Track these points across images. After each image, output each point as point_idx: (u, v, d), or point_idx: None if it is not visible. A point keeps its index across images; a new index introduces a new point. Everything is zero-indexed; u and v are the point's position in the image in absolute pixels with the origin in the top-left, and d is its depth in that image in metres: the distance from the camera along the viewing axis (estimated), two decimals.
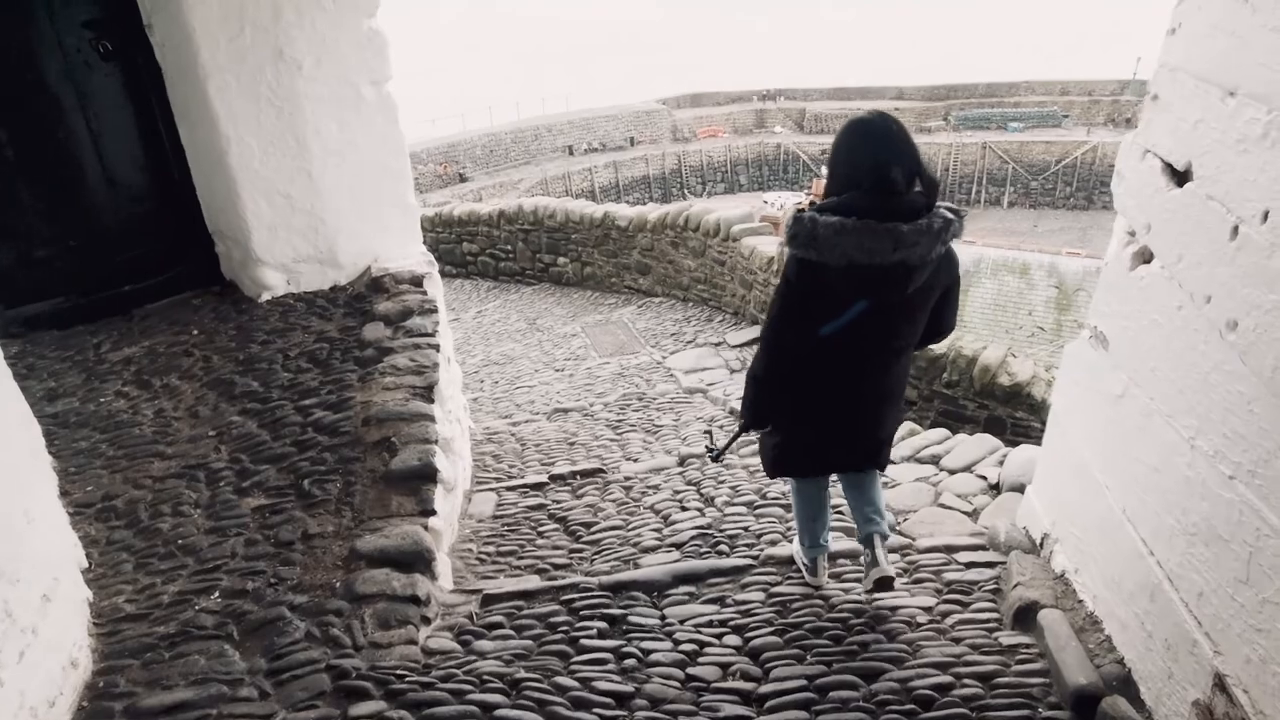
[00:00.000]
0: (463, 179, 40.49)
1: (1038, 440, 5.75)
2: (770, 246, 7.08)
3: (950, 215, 2.29)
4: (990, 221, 41.32)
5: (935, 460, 4.31)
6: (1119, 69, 44.99)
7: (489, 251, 10.04)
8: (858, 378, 2.50)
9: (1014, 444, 5.66)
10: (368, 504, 3.16)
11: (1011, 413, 5.57)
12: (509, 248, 9.77)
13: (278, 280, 4.46)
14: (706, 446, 3.36)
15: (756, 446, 3.23)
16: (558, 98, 46.32)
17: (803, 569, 3.02)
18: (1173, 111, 2.45)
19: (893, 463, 4.34)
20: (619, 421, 5.18)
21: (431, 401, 3.66)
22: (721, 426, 4.90)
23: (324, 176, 4.37)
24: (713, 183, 45.07)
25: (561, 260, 9.38)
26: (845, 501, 2.99)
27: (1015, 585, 2.89)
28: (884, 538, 2.77)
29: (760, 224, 7.60)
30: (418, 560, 2.92)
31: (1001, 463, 4.17)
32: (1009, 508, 3.75)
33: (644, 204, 42.79)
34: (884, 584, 2.71)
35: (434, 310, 4.26)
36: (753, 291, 7.34)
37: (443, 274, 10.97)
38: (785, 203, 36.23)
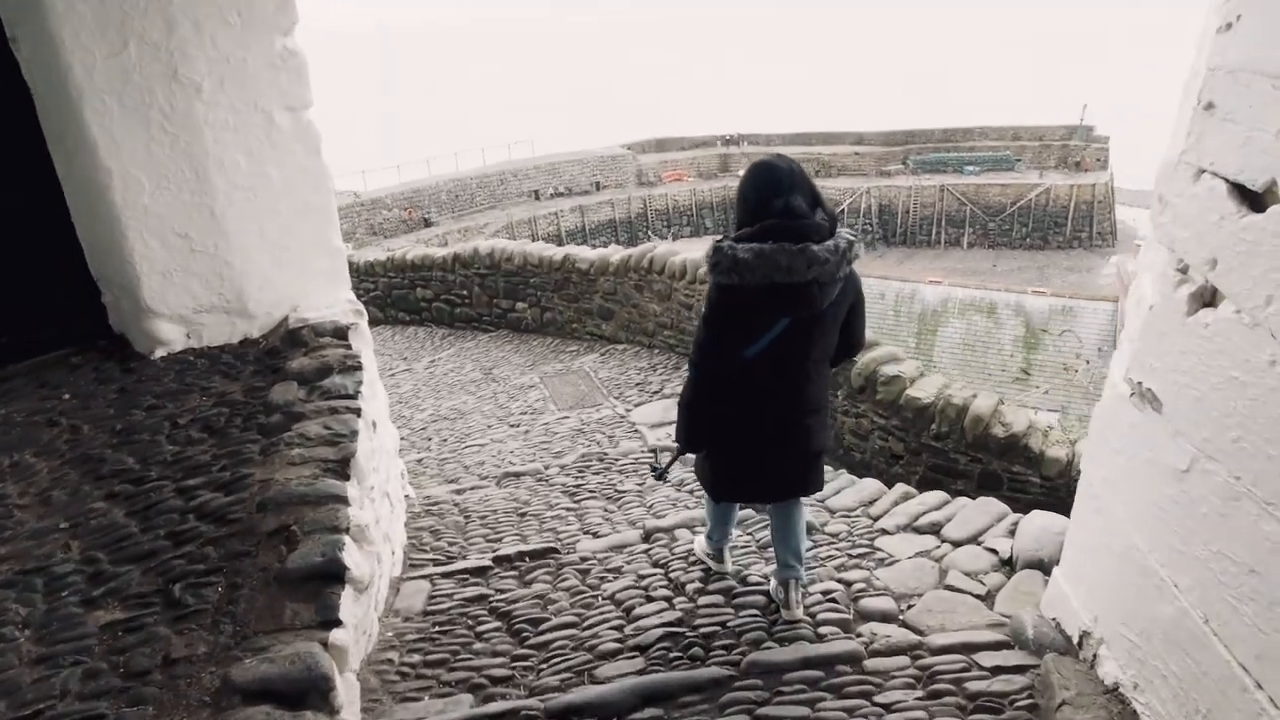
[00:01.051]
0: (427, 223, 39.95)
1: (1038, 497, 5.26)
2: None
3: (851, 238, 2.51)
4: (951, 261, 41.76)
5: (935, 529, 3.76)
6: (1067, 115, 46.23)
7: (444, 297, 9.44)
8: (783, 392, 2.65)
9: (1013, 501, 5.14)
10: (254, 614, 2.50)
11: (1008, 467, 5.07)
12: (465, 293, 9.18)
13: (174, 334, 3.81)
14: (651, 466, 3.42)
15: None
16: (523, 143, 46.21)
17: (706, 559, 3.37)
18: (1240, 122, 1.97)
19: (887, 532, 3.79)
20: (577, 487, 4.57)
21: (346, 478, 3.02)
22: (667, 450, 4.65)
23: (230, 214, 3.77)
24: (678, 225, 45.03)
25: (520, 305, 8.81)
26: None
27: (1060, 704, 2.32)
28: (799, 582, 2.99)
29: None
30: (310, 691, 2.25)
31: (1012, 532, 3.63)
32: (1028, 590, 3.20)
33: (609, 247, 42.82)
34: (792, 622, 2.91)
35: (357, 367, 3.63)
36: None
37: (396, 321, 10.38)
38: None
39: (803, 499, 2.99)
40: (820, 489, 3.02)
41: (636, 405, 6.31)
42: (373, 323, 10.48)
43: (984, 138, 45.36)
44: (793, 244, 2.39)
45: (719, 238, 2.56)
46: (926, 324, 17.54)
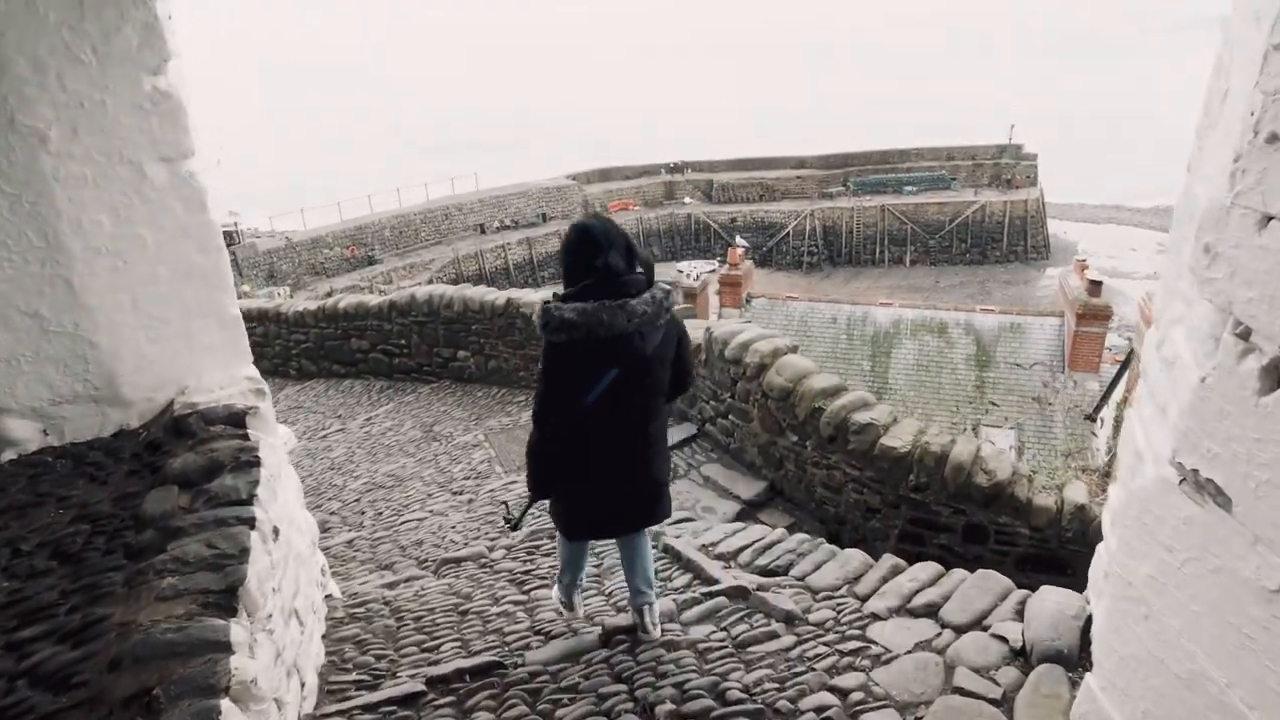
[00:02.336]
0: (371, 261, 38.94)
1: (1028, 549, 4.86)
2: (695, 333, 6.11)
3: (667, 288, 2.81)
4: (895, 279, 42.26)
5: (932, 611, 3.29)
6: (995, 135, 47.52)
7: (381, 347, 8.78)
8: (623, 433, 2.84)
9: (1002, 555, 4.72)
10: None
11: (993, 518, 4.65)
12: (403, 342, 8.54)
13: (27, 432, 3.16)
14: (504, 517, 3.41)
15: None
16: (466, 177, 45.61)
17: (560, 605, 3.39)
18: None
19: (879, 617, 3.30)
20: (526, 574, 3.99)
21: (232, 613, 2.42)
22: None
23: (92, 285, 3.15)
24: None
25: (462, 354, 8.21)
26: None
27: None
28: (653, 606, 3.18)
29: (684, 305, 6.63)
30: None
31: (1020, 612, 3.18)
32: (1051, 691, 2.73)
33: (559, 280, 42.21)
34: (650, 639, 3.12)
35: (253, 463, 3.03)
36: None
37: (330, 374, 9.65)
38: (700, 271, 36.09)
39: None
40: (668, 516, 3.18)
41: None
42: (305, 376, 9.79)
43: (920, 158, 46.29)
44: (612, 300, 2.63)
45: (547, 300, 2.76)
46: (880, 346, 17.37)
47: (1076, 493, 4.61)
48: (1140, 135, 78.46)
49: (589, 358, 2.67)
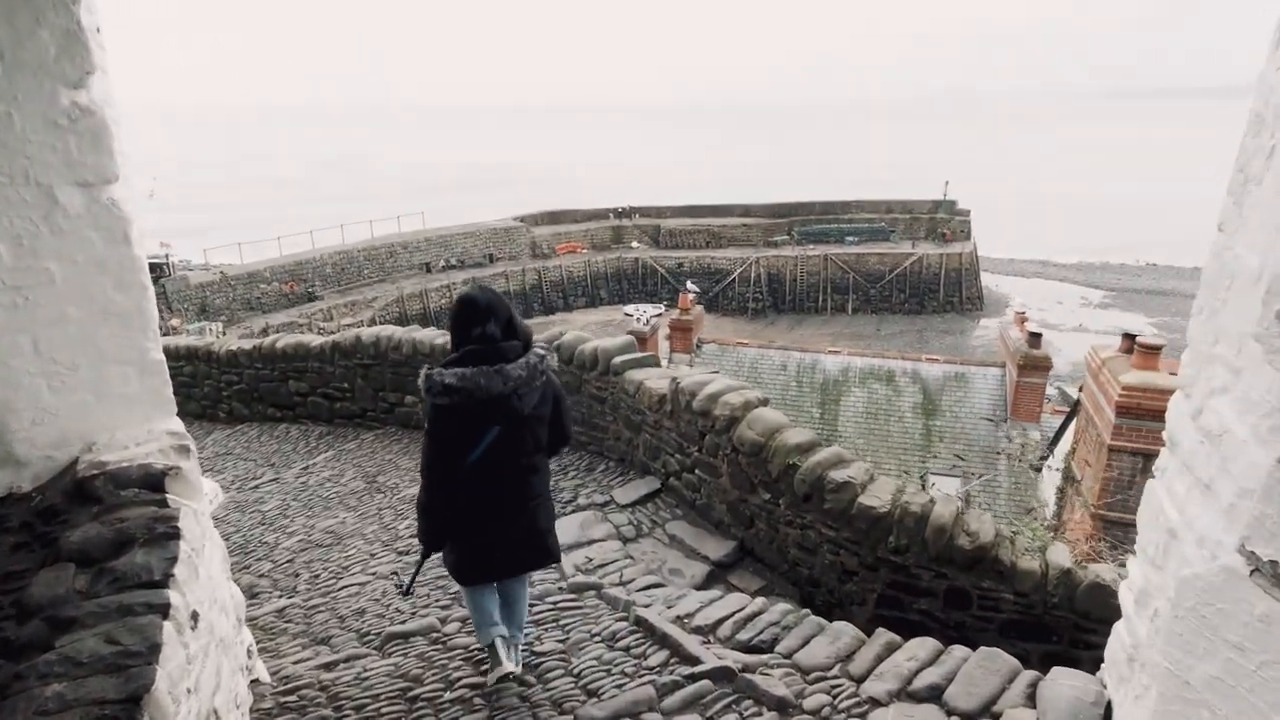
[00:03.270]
0: (311, 297, 37.78)
1: (1013, 615, 4.62)
2: (660, 383, 5.82)
3: (543, 352, 3.08)
4: (838, 327, 43.00)
5: (936, 695, 2.99)
6: (930, 190, 49.28)
7: (321, 391, 8.23)
8: (506, 487, 3.05)
9: (985, 621, 4.49)
10: None
11: (976, 582, 4.42)
12: (346, 385, 8.02)
13: None
14: (395, 585, 3.65)
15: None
16: (413, 215, 44.95)
17: (488, 653, 3.33)
18: None
19: (879, 702, 2.99)
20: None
21: None
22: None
23: None
24: (574, 296, 44.57)
25: (410, 399, 7.73)
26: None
27: None
28: (516, 644, 3.33)
29: (645, 355, 6.35)
30: None
31: (1031, 696, 2.91)
32: None
33: None
34: (505, 679, 3.21)
35: (172, 536, 2.58)
36: (641, 435, 6.00)
37: (265, 417, 9.02)
38: (646, 314, 36.04)
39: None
40: (556, 560, 3.41)
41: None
42: (236, 419, 9.13)
43: (860, 210, 47.59)
44: (489, 365, 2.91)
45: (428, 367, 2.97)
46: (829, 394, 17.37)
47: (1060, 556, 4.42)
48: (1063, 196, 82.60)
49: (470, 417, 2.94)
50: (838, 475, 4.65)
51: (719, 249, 45.79)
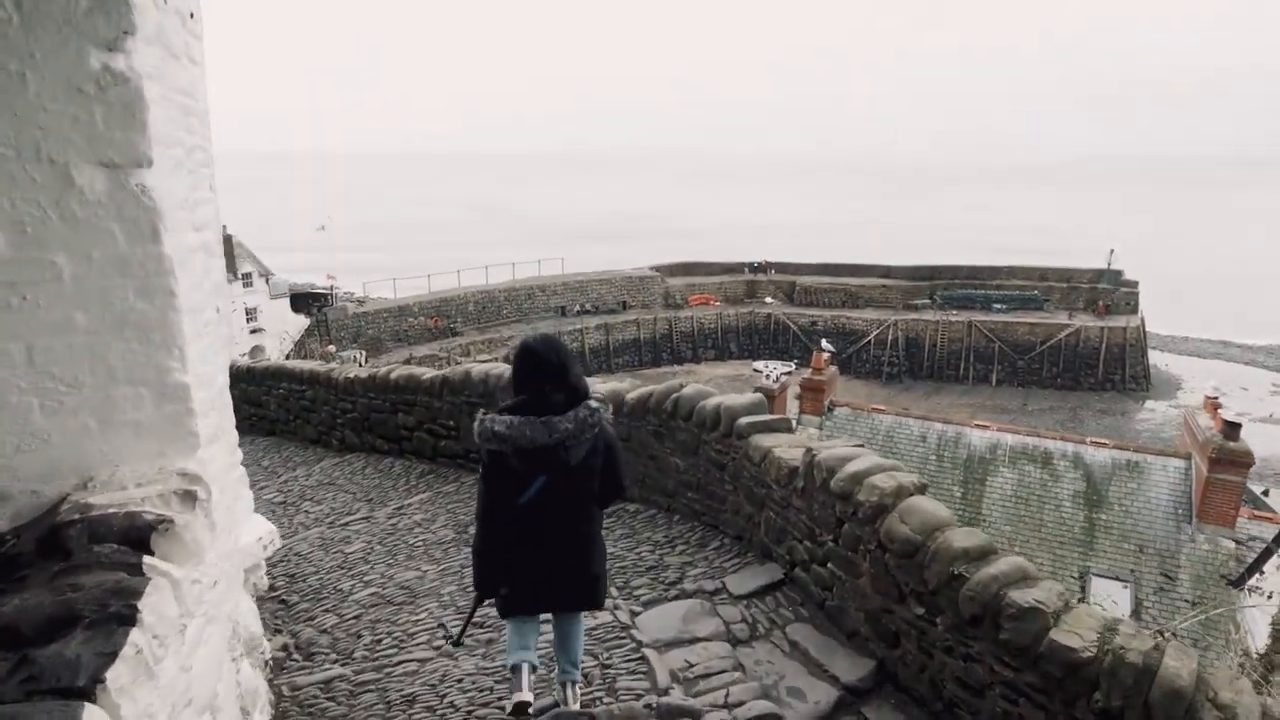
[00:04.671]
0: (453, 332, 39.14)
1: None
2: (791, 452, 4.86)
3: (596, 405, 3.07)
4: (980, 398, 39.79)
5: None
6: (1092, 259, 45.38)
7: (427, 426, 7.80)
8: (555, 532, 3.08)
9: None
10: None
11: None
12: (452, 423, 7.53)
13: None
14: (444, 636, 3.62)
15: None
16: (553, 260, 46.05)
17: (510, 676, 3.23)
18: None
19: None
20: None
21: None
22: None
23: None
24: (703, 348, 43.87)
25: None
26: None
27: None
28: (575, 684, 3.31)
29: (776, 418, 5.40)
30: None
31: None
32: None
33: (634, 367, 41.53)
34: (520, 708, 3.09)
35: (125, 620, 1.91)
36: (765, 512, 5.04)
37: (373, 449, 8.67)
38: (775, 371, 34.69)
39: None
40: (600, 606, 3.36)
41: (645, 603, 4.48)
42: (347, 449, 8.85)
43: (1011, 277, 44.38)
44: (537, 416, 2.95)
45: (483, 411, 3.06)
46: (973, 472, 15.55)
47: None
48: (1245, 270, 74.24)
49: (517, 465, 2.96)
50: (1021, 597, 3.50)
51: (855, 309, 43.89)
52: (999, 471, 15.41)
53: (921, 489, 4.19)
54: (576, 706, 3.21)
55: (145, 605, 1.97)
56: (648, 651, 3.88)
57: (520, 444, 2.90)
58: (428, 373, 8.00)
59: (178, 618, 2.12)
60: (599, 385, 6.65)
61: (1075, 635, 3.42)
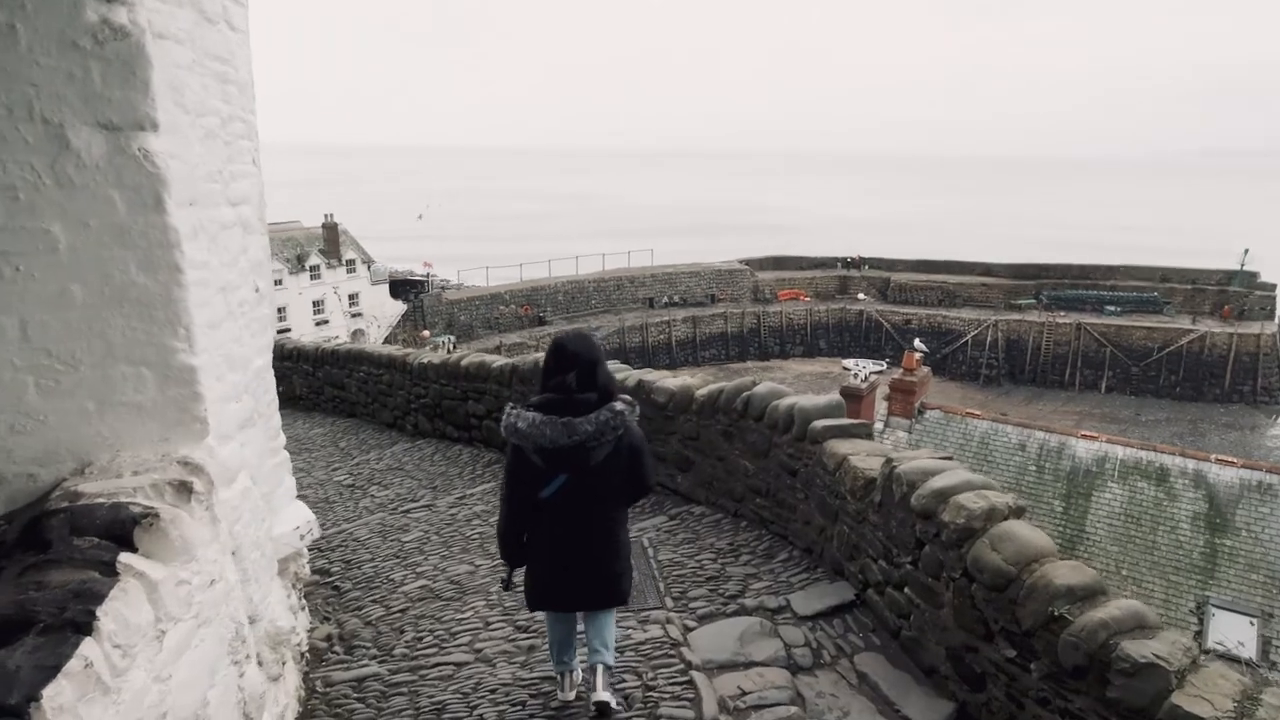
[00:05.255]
0: (541, 321, 39.57)
1: None
2: (869, 462, 4.38)
3: (621, 407, 3.02)
4: (1086, 405, 37.20)
5: None
6: (1223, 259, 41.72)
7: (495, 415, 7.67)
8: (576, 530, 3.06)
9: None
10: None
11: None
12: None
13: None
14: (501, 579, 3.42)
15: None
16: (643, 251, 45.90)
17: (557, 679, 3.36)
18: None
19: None
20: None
21: None
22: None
23: None
24: (791, 344, 42.84)
25: None
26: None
27: None
28: (607, 668, 3.22)
29: (854, 422, 4.92)
30: None
31: None
32: None
33: (720, 361, 40.95)
34: (602, 709, 3.12)
35: (80, 628, 1.71)
36: (837, 525, 4.58)
37: (444, 435, 8.61)
38: (867, 370, 33.50)
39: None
40: (623, 602, 3.28)
41: (700, 618, 4.12)
42: (419, 434, 8.83)
43: (1127, 277, 41.28)
44: (558, 416, 2.91)
45: (511, 404, 3.09)
46: (1077, 486, 14.37)
47: None
48: None
49: (540, 462, 2.94)
50: (1136, 650, 2.95)
51: (953, 308, 41.85)
52: (1106, 486, 14.18)
53: (1018, 512, 3.65)
54: (607, 695, 3.15)
55: (106, 611, 1.76)
56: (696, 675, 3.51)
57: (540, 443, 2.89)
58: (498, 360, 7.86)
59: (152, 624, 1.91)
60: (675, 379, 6.30)
61: (1204, 702, 2.85)
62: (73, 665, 1.62)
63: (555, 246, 50.59)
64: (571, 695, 3.31)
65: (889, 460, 4.14)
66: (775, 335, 42.86)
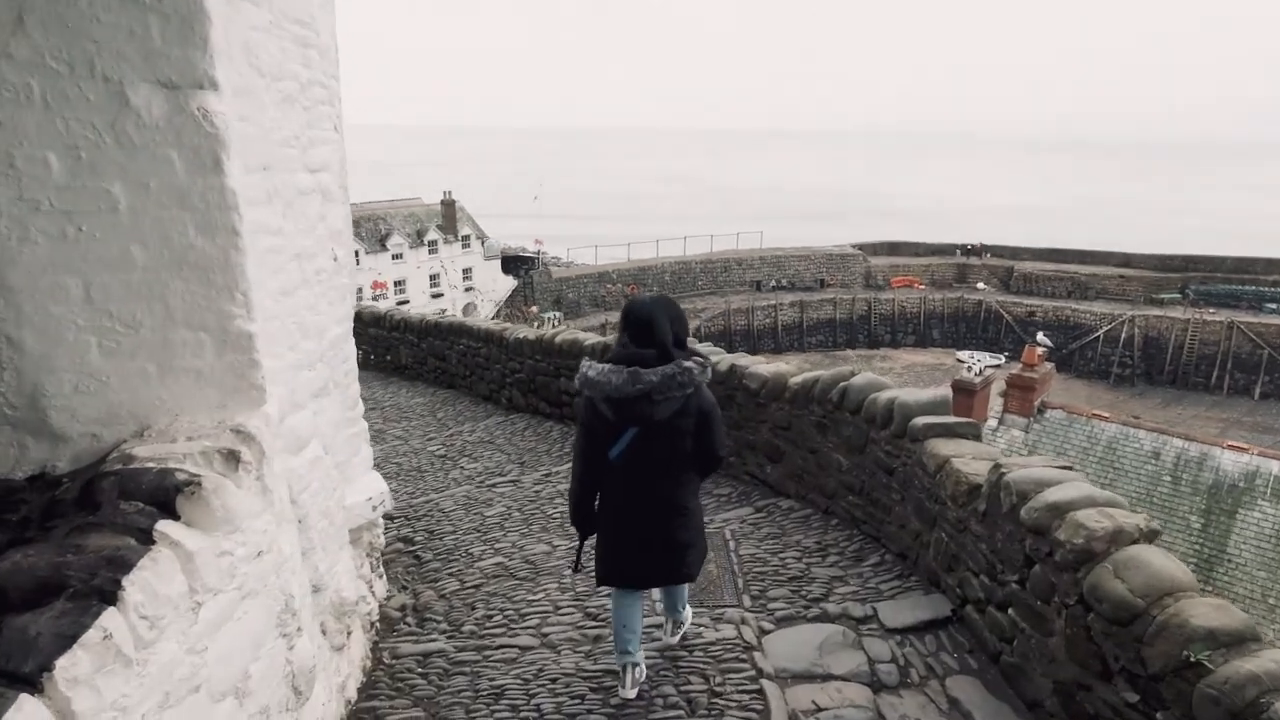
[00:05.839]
0: None
1: None
2: (974, 465, 3.94)
3: (690, 365, 3.02)
4: (1235, 412, 33.72)
5: None
6: None
7: None
8: (643, 494, 3.09)
9: None
10: None
11: None
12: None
13: None
14: (570, 563, 3.81)
15: None
16: (752, 234, 45.04)
17: (619, 673, 3.29)
18: None
19: None
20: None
21: None
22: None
23: (21, 256, 2.06)
24: (903, 333, 41.07)
25: None
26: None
27: None
28: (679, 624, 3.56)
29: (960, 421, 4.47)
30: None
31: None
32: None
33: (827, 347, 39.75)
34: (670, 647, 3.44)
35: (107, 597, 1.65)
36: (935, 532, 4.18)
37: (537, 411, 8.61)
38: (981, 363, 31.65)
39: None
40: (692, 579, 3.35)
41: (778, 623, 3.84)
42: (513, 408, 8.87)
43: None
44: (626, 367, 2.96)
45: (587, 359, 3.19)
46: (1219, 502, 12.98)
47: None
48: None
49: (608, 413, 3.00)
50: None
51: (1083, 300, 38.87)
52: (1256, 505, 12.73)
53: (1150, 535, 3.17)
54: (675, 639, 3.45)
55: (134, 581, 1.70)
56: (768, 684, 3.26)
57: (607, 391, 2.95)
58: (591, 338, 7.76)
59: (185, 595, 1.85)
60: (769, 365, 5.99)
61: None
62: (90, 636, 1.56)
63: (663, 227, 50.39)
64: (633, 694, 3.19)
65: (997, 466, 3.71)
66: (886, 323, 41.20)
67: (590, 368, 3.04)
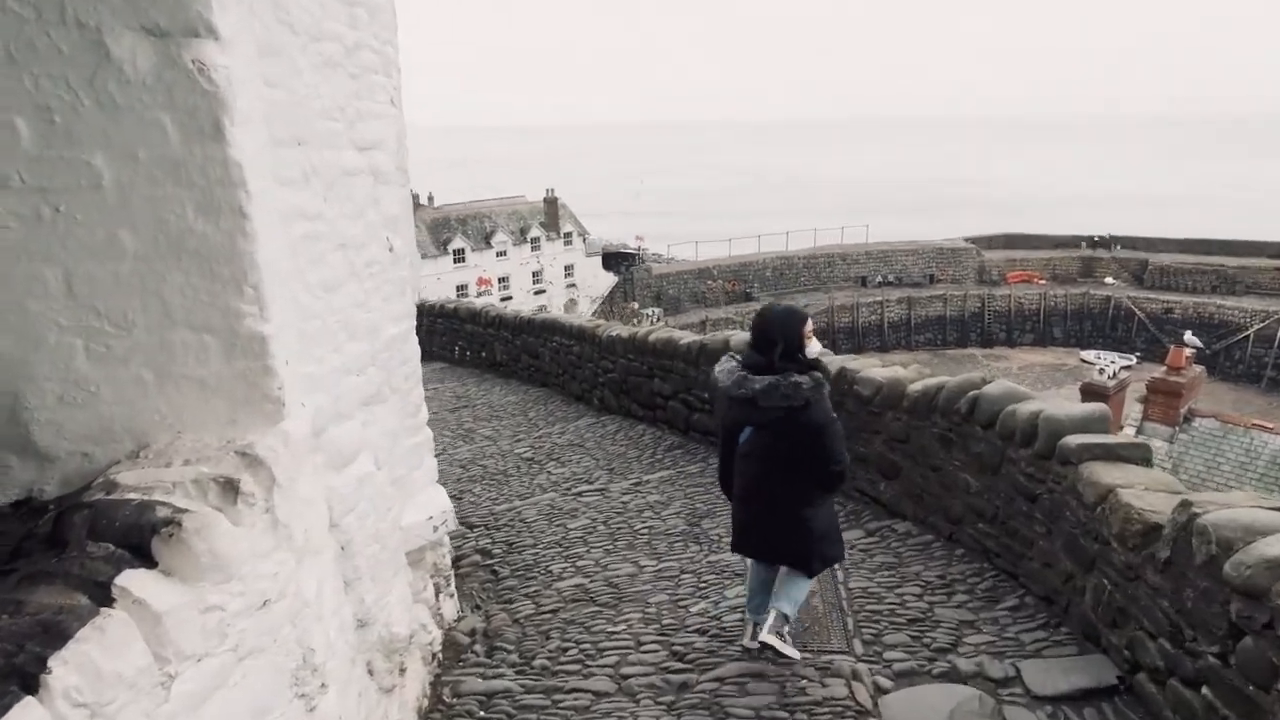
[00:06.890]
0: (748, 297, 38.64)
1: None
2: (1151, 500, 3.15)
3: (800, 380, 3.13)
4: None
5: None
6: None
7: (682, 396, 7.02)
8: (758, 485, 3.32)
9: None
10: None
11: None
12: (707, 395, 6.71)
13: None
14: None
15: None
16: (857, 228, 43.22)
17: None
18: None
19: None
20: None
21: None
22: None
23: None
24: (1020, 331, 38.38)
25: None
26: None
27: None
28: (780, 615, 3.33)
29: (1126, 442, 3.66)
30: None
31: None
32: None
33: (936, 346, 37.60)
34: (765, 647, 3.29)
35: (30, 678, 1.25)
36: (1094, 576, 3.39)
37: (629, 413, 8.12)
38: (1112, 365, 29.06)
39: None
40: (805, 570, 3.35)
41: (897, 678, 3.20)
42: (605, 409, 8.41)
43: None
44: (742, 372, 3.23)
45: (730, 353, 3.46)
46: None
47: None
48: None
49: (728, 408, 3.31)
50: None
51: (1230, 295, 35.08)
52: None
53: None
54: (770, 637, 3.25)
55: (66, 659, 1.30)
56: None
57: (726, 388, 3.21)
58: (686, 337, 7.22)
59: (148, 668, 1.45)
60: (883, 368, 5.28)
61: None
62: None
63: (764, 223, 49.11)
64: (755, 645, 3.35)
65: (1187, 504, 2.92)
66: (1001, 320, 38.63)
67: (721, 363, 3.33)
